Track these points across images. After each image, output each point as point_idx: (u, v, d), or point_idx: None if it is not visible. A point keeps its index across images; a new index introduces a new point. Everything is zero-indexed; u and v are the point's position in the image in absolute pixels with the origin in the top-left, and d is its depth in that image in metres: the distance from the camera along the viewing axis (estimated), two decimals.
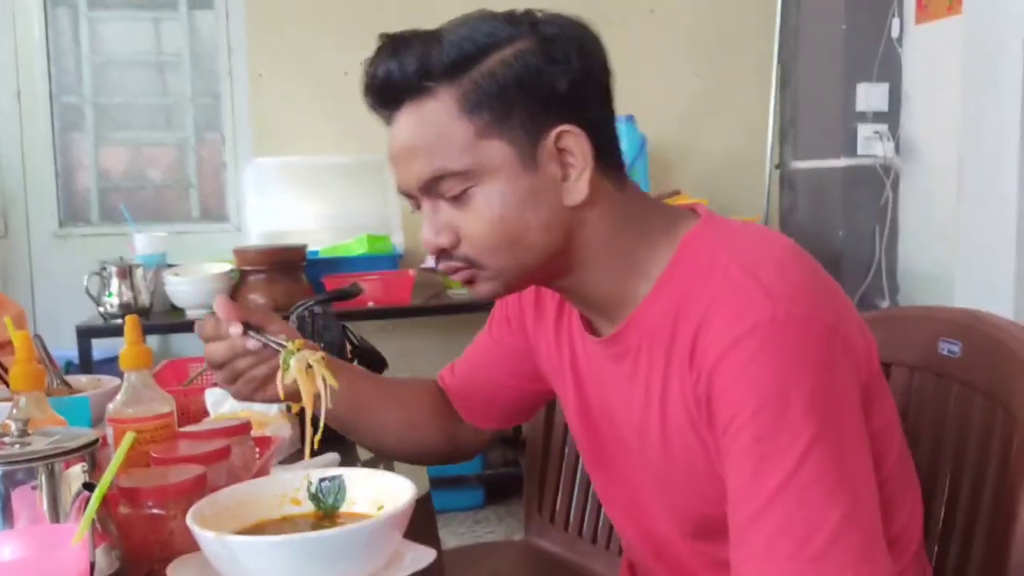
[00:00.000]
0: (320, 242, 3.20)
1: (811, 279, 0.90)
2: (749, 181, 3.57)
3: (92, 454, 0.90)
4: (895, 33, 3.18)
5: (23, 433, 0.89)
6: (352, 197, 3.36)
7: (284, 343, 1.02)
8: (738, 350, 0.84)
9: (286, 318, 1.52)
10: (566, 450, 1.70)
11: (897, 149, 3.19)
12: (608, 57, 0.96)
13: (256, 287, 2.94)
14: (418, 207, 0.97)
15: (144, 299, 2.88)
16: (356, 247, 3.14)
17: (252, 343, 1.03)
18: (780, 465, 0.81)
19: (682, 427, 0.92)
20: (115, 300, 2.84)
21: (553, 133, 0.91)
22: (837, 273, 3.20)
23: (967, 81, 2.96)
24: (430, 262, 2.46)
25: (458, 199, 0.92)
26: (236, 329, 1.03)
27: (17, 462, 0.85)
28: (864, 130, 3.20)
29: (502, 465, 3.38)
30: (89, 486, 0.81)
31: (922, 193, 3.16)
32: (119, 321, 2.83)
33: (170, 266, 3.03)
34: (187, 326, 2.96)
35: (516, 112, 0.91)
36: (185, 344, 3.43)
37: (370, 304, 2.95)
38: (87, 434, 0.91)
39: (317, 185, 3.37)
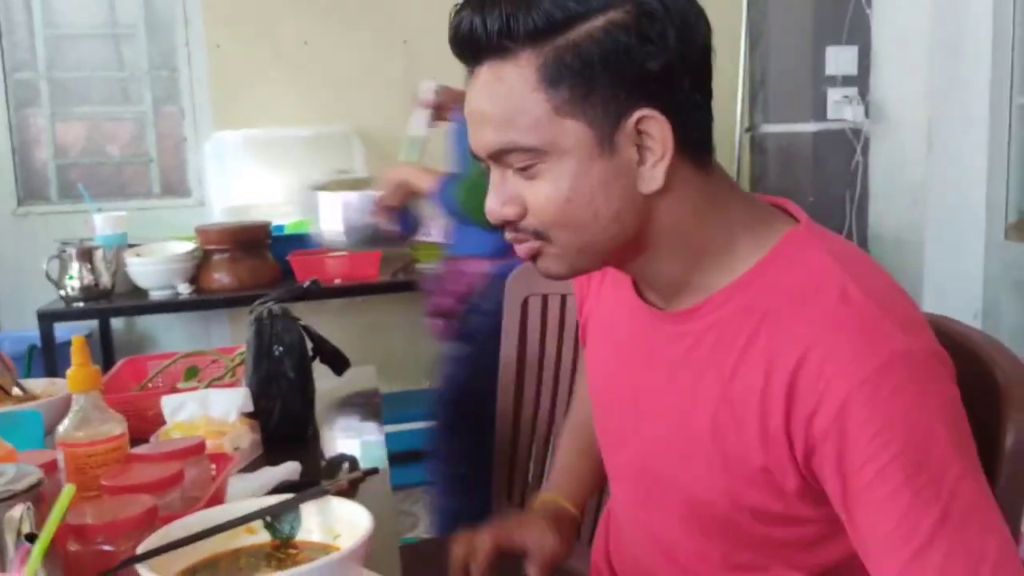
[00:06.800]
0: (285, 215, 3.15)
1: (915, 306, 0.87)
2: (719, 145, 3.49)
3: (36, 494, 0.87)
4: None
5: None
6: (315, 170, 3.29)
7: None
8: (874, 386, 0.79)
9: (250, 312, 1.49)
10: (534, 443, 1.69)
11: (867, 113, 3.16)
12: (711, 35, 0.89)
13: (220, 266, 2.89)
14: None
15: (105, 281, 2.82)
16: None
17: None
18: (936, 501, 0.77)
19: (747, 436, 0.87)
20: (76, 283, 2.78)
21: (634, 117, 0.85)
22: None
23: (936, 43, 2.93)
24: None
25: (526, 171, 0.88)
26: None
27: None
28: (834, 94, 3.17)
29: None
30: (31, 537, 0.78)
31: (892, 157, 3.15)
32: (80, 304, 2.79)
33: (132, 246, 2.97)
34: (151, 307, 2.92)
35: (598, 91, 0.84)
36: (149, 324, 3.38)
37: (336, 281, 2.91)
38: (32, 474, 0.88)
39: (280, 158, 3.30)
